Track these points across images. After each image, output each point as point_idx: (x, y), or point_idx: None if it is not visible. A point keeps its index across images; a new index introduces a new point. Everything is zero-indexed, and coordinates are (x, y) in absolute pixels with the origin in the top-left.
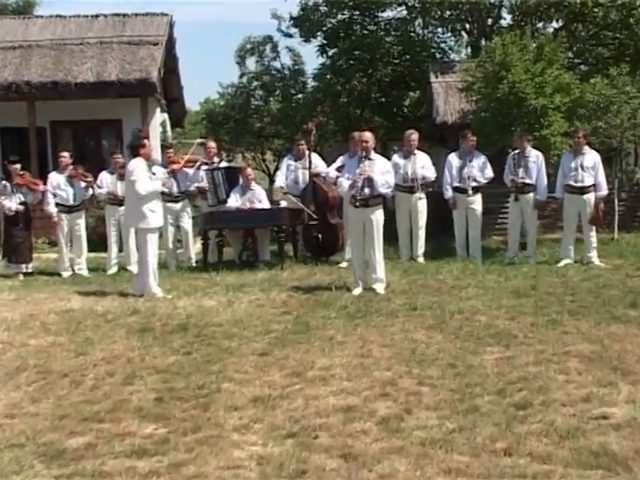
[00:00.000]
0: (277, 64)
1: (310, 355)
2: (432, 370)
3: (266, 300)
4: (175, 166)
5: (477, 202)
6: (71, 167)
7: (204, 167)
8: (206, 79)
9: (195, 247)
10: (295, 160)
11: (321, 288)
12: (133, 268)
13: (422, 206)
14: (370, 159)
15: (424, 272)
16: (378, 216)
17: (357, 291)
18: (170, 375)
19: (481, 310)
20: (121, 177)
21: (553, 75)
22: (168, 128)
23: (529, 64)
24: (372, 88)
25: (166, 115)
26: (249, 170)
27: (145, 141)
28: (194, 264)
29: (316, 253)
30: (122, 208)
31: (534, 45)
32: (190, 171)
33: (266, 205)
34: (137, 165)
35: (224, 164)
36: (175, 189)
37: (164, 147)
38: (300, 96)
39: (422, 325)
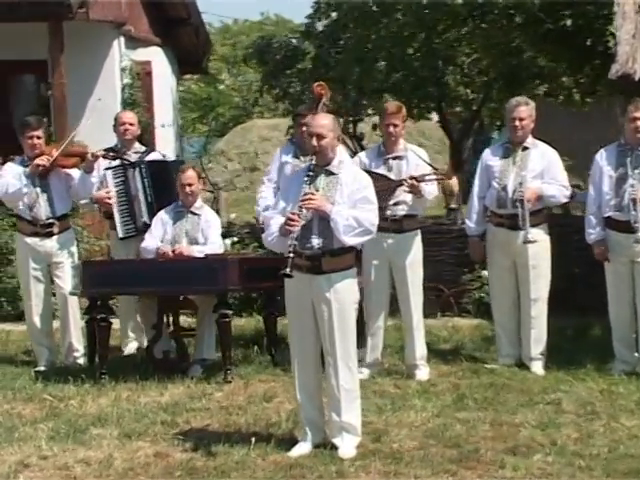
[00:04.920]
0: None
1: None
2: None
3: (103, 465)
4: (39, 160)
5: None
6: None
7: (107, 162)
8: None
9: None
10: (296, 154)
11: (247, 437)
12: None
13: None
14: (331, 172)
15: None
16: (343, 293)
17: (299, 449)
18: None
19: None
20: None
21: None
22: (168, 77)
23: None
24: None
25: (156, 52)
26: (189, 173)
27: None
28: (80, 359)
29: None
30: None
31: None
32: (74, 172)
33: (216, 246)
34: None
35: (156, 155)
36: (43, 209)
37: (24, 126)
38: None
39: None
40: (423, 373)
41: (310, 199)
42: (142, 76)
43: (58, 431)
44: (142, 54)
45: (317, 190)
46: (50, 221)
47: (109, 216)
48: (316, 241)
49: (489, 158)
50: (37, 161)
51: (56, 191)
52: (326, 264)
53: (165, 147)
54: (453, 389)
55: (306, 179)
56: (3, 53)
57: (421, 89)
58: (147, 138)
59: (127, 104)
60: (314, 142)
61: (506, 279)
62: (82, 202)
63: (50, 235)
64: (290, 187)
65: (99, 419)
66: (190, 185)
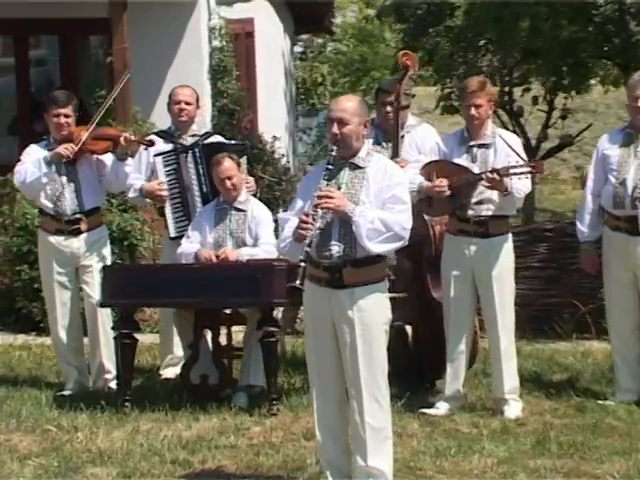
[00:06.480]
0: None
1: None
2: None
3: None
4: (63, 150)
5: None
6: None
7: (153, 148)
8: None
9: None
10: (378, 140)
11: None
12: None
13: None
14: (356, 166)
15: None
16: (369, 312)
17: None
18: None
19: None
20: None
21: None
22: (278, 37)
23: None
24: None
25: (261, 7)
26: (227, 164)
27: None
28: (112, 383)
29: (403, 372)
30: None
31: None
32: (106, 159)
33: (269, 247)
34: None
35: (216, 138)
36: (69, 202)
37: (49, 102)
38: None
39: None
40: (513, 409)
41: (327, 197)
42: (240, 37)
43: (47, 469)
44: (241, 10)
45: (339, 187)
46: (77, 216)
47: (163, 213)
48: (336, 248)
49: (606, 146)
50: (59, 150)
51: (85, 181)
52: (348, 276)
53: (270, 125)
54: (542, 430)
55: (324, 174)
56: (67, 10)
57: (573, 53)
58: (239, 116)
59: (216, 72)
60: (334, 129)
61: (625, 297)
62: (131, 196)
63: (77, 233)
64: (309, 183)
65: (102, 456)
66: (230, 178)
